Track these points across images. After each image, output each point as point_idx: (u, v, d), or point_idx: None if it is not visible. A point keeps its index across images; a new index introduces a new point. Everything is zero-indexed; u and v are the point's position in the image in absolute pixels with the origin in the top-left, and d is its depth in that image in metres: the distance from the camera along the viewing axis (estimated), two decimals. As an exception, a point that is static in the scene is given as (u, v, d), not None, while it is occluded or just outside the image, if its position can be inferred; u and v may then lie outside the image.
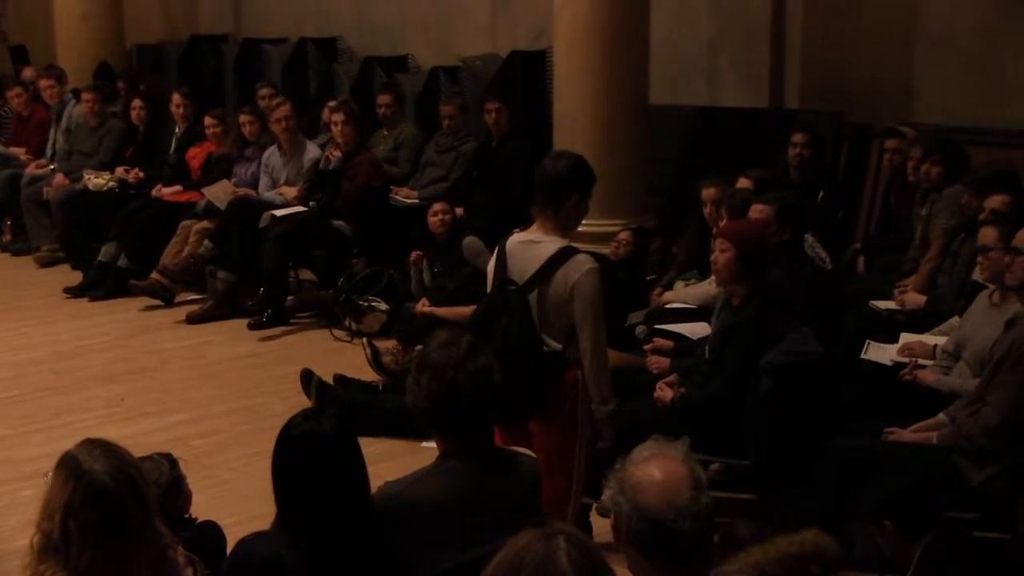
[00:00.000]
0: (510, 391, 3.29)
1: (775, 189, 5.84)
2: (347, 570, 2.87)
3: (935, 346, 4.98)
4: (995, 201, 5.29)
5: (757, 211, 5.32)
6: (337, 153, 7.95)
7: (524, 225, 4.28)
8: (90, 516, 2.52)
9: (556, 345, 4.12)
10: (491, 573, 2.12)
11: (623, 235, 6.67)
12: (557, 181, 4.12)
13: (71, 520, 2.52)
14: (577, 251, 4.15)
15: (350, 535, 2.85)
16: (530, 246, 4.14)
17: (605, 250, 6.43)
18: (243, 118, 8.67)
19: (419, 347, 3.36)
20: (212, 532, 3.68)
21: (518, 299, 4.07)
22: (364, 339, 6.94)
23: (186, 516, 3.71)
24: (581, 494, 4.27)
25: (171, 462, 3.64)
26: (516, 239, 4.19)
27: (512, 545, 2.12)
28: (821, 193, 6.94)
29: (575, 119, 7.19)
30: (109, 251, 8.74)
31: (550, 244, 4.11)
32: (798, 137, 6.96)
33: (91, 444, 2.66)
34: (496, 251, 4.25)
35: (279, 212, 7.95)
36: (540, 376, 4.10)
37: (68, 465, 2.60)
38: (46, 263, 9.60)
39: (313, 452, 2.87)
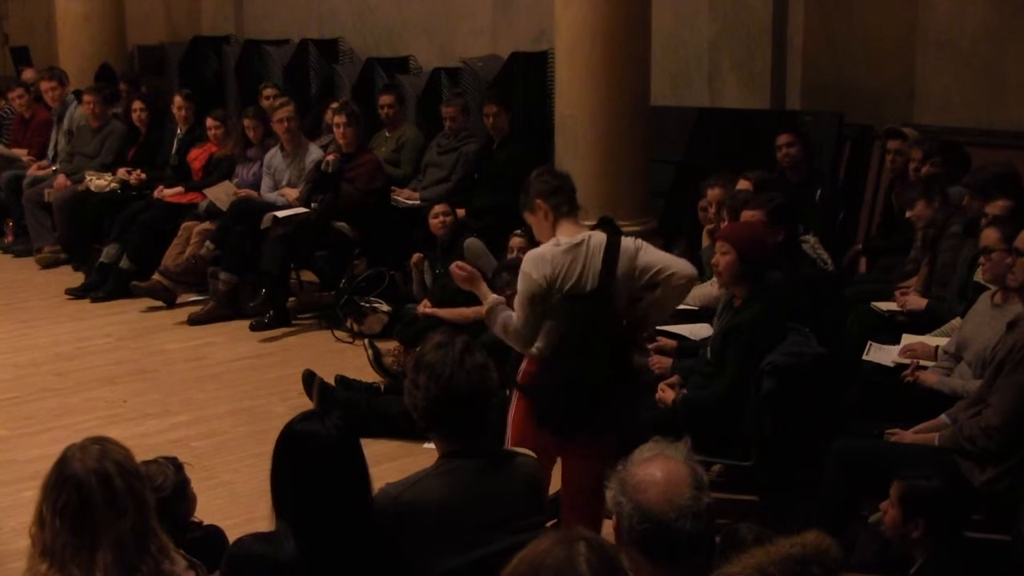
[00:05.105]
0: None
1: (771, 191, 5.85)
2: (347, 571, 2.87)
3: (937, 347, 4.98)
4: (996, 207, 5.29)
5: (748, 216, 5.32)
6: (331, 157, 7.93)
7: (523, 227, 4.31)
8: (59, 499, 2.65)
9: None
10: (509, 574, 2.11)
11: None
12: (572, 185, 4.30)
13: (45, 504, 2.67)
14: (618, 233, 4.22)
15: (350, 537, 2.85)
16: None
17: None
18: (247, 122, 8.68)
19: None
20: (215, 536, 3.68)
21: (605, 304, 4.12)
22: (366, 340, 6.95)
23: (191, 519, 3.71)
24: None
25: (176, 466, 3.65)
26: (566, 243, 4.15)
27: (532, 547, 2.11)
28: (819, 192, 6.94)
29: (576, 120, 7.19)
30: (111, 252, 8.75)
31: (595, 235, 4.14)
32: (781, 139, 6.98)
33: (93, 440, 2.75)
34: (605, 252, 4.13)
35: (281, 213, 7.95)
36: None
37: (61, 455, 2.72)
38: (48, 264, 9.61)
39: (314, 453, 2.86)
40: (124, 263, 8.64)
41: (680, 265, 4.24)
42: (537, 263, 4.10)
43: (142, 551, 2.68)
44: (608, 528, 4.23)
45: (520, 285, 4.13)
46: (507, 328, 4.14)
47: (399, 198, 8.35)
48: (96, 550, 2.62)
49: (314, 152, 8.34)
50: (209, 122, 8.95)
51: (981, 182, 5.65)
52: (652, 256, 4.20)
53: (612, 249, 4.07)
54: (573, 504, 4.23)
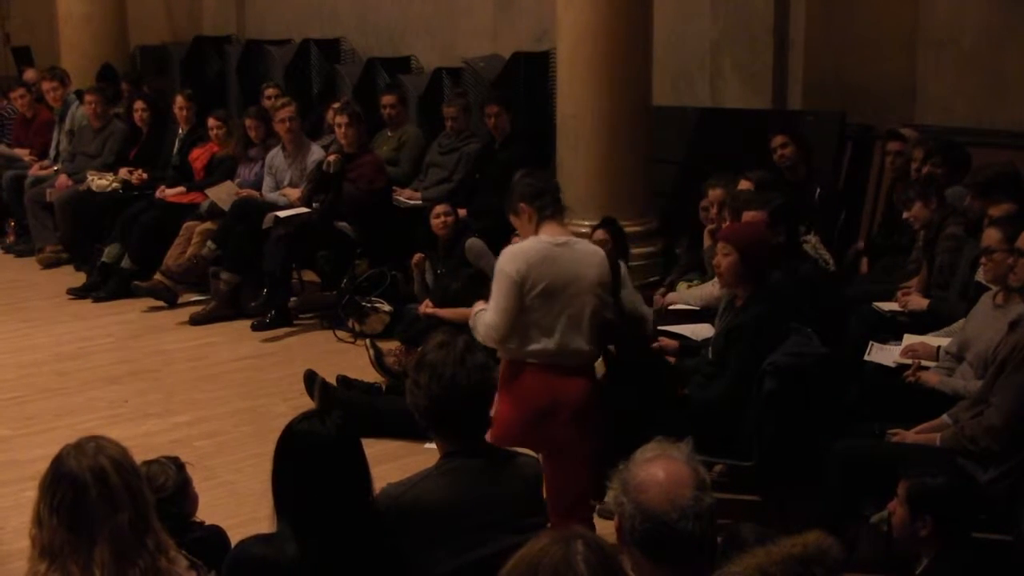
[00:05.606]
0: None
1: (772, 191, 5.86)
2: (349, 571, 2.87)
3: (938, 347, 4.97)
4: (1000, 209, 5.28)
5: (749, 217, 5.33)
6: (333, 157, 7.94)
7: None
8: (55, 497, 2.66)
9: None
10: (507, 573, 2.11)
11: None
12: (556, 186, 4.38)
13: (43, 503, 2.68)
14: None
15: (351, 537, 2.85)
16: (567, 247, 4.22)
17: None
18: (248, 122, 8.68)
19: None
20: (217, 536, 3.68)
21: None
22: (367, 340, 6.95)
23: (193, 519, 3.72)
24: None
25: (178, 466, 3.65)
26: (546, 242, 4.21)
27: (530, 546, 2.12)
28: (818, 191, 6.95)
29: (578, 120, 7.19)
30: (112, 252, 8.76)
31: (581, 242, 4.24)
32: (776, 140, 6.99)
33: (88, 438, 2.76)
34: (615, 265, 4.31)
35: (282, 213, 7.95)
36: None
37: (57, 454, 2.74)
38: (49, 264, 9.61)
39: (315, 453, 2.86)
40: (126, 263, 8.65)
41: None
42: (513, 257, 4.15)
43: (139, 547, 2.68)
44: (599, 528, 4.25)
45: (495, 279, 4.17)
46: (479, 324, 4.20)
47: (401, 198, 8.36)
48: (93, 547, 2.63)
49: (316, 152, 8.35)
50: (211, 122, 8.95)
51: (983, 183, 5.64)
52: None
53: (615, 268, 4.19)
54: (558, 504, 4.23)
